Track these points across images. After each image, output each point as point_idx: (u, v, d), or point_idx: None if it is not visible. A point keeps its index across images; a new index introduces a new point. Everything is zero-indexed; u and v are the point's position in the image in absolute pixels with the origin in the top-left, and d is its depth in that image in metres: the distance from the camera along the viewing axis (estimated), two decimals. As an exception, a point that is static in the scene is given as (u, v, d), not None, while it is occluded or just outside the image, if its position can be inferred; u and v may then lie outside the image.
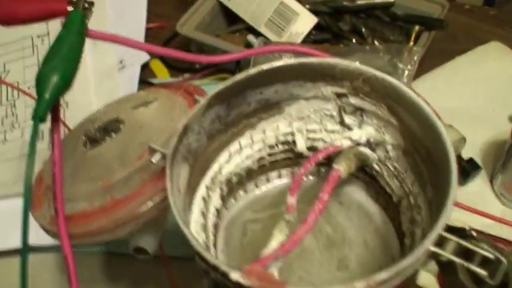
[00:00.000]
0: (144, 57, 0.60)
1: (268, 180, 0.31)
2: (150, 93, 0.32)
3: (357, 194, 0.30)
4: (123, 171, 0.28)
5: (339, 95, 0.26)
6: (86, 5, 0.26)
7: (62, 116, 0.58)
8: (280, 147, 0.29)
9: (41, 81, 0.25)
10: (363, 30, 0.55)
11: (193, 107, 0.24)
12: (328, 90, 0.26)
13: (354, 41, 0.55)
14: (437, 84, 0.58)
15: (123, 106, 0.32)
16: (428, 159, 0.24)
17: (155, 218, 0.30)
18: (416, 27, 0.53)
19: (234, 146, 0.28)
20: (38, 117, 0.24)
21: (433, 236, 0.20)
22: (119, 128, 0.30)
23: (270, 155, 0.29)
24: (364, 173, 0.29)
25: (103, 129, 0.31)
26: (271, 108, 0.27)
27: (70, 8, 0.26)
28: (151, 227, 0.31)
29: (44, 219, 0.30)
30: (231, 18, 0.59)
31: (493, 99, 0.56)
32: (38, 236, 0.47)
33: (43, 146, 0.51)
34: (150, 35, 0.64)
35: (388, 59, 0.51)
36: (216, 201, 0.28)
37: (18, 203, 0.51)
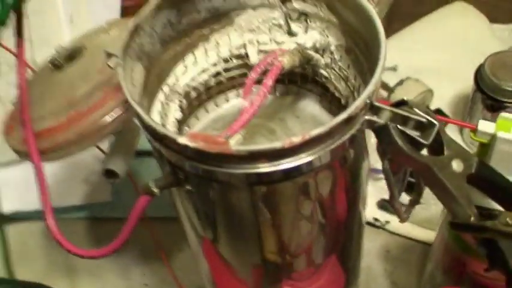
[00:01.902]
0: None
1: (227, 100, 0.33)
2: (112, 23, 0.34)
3: (311, 107, 0.32)
4: (85, 86, 0.30)
5: (283, 1, 0.28)
6: None
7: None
8: (235, 61, 0.31)
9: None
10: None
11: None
12: (274, -5, 0.28)
13: None
14: (405, 44, 0.60)
15: (87, 37, 0.34)
16: (366, 49, 0.26)
17: (125, 134, 0.32)
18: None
19: (189, 58, 0.30)
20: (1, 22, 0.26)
21: (370, 88, 0.22)
22: (82, 53, 0.32)
23: (225, 70, 0.31)
24: (316, 85, 0.31)
25: (67, 56, 0.33)
26: (221, 18, 0.29)
27: None
28: (120, 149, 0.33)
29: (16, 141, 0.31)
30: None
31: (459, 55, 0.59)
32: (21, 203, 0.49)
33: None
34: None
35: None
36: (175, 112, 0.30)
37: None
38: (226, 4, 0.29)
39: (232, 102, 0.32)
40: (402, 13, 0.61)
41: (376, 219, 0.50)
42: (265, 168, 0.22)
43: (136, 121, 0.25)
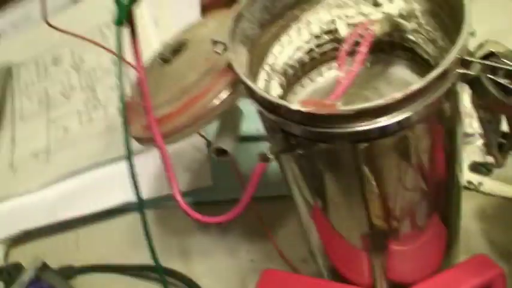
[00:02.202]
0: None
1: (321, 75, 0.35)
2: (210, 17, 0.37)
3: (402, 72, 0.34)
4: (194, 75, 0.33)
5: None
6: None
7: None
8: (326, 36, 0.33)
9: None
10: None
11: None
12: (358, -30, 0.30)
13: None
14: (482, 9, 0.61)
15: (187, 31, 0.37)
16: (451, 11, 0.28)
17: (231, 116, 0.36)
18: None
19: (284, 38, 0.33)
20: (118, 21, 0.30)
21: (460, 43, 0.24)
22: (186, 46, 0.36)
23: (317, 46, 0.34)
24: (404, 51, 0.33)
25: (173, 50, 0.36)
26: (309, -2, 0.32)
27: None
28: (227, 130, 0.36)
29: (138, 130, 0.35)
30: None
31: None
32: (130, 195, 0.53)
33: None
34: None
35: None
36: (276, 89, 0.33)
37: (109, 169, 0.58)
38: (314, -16, 0.32)
39: (326, 75, 0.35)
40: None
41: (469, 182, 0.51)
42: (368, 125, 0.25)
43: (248, 98, 0.28)
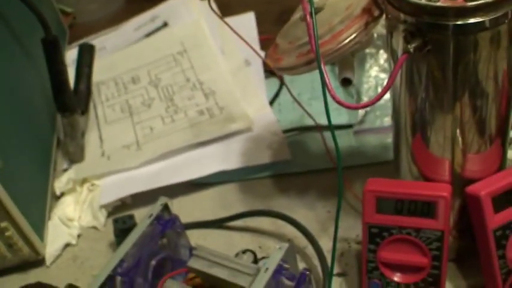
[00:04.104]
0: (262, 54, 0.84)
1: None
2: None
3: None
4: (338, 18, 0.51)
5: None
6: None
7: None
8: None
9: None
10: None
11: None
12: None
13: None
14: None
15: (317, 2, 0.55)
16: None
17: (349, 59, 0.53)
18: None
19: None
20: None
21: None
22: (321, 9, 0.54)
23: None
24: None
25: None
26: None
27: None
28: (349, 64, 0.53)
29: (291, 62, 0.52)
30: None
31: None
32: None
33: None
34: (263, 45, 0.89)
35: None
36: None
37: (197, 151, 0.72)
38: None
39: None
40: None
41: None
42: (477, 18, 0.43)
43: (393, 12, 0.45)
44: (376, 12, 0.50)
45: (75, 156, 0.78)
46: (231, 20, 0.95)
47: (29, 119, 0.73)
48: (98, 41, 0.96)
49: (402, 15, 0.45)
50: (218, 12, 0.65)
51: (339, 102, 0.47)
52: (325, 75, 0.48)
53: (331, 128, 0.47)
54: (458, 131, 0.50)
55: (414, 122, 0.52)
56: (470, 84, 0.47)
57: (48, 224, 0.71)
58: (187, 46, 0.91)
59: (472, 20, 0.43)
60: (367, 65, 0.78)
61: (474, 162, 0.53)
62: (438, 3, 0.43)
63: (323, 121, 0.71)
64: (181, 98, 0.83)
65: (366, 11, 0.50)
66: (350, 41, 0.50)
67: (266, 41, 0.90)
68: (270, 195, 0.71)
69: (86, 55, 0.81)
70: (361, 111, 0.75)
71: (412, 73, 0.49)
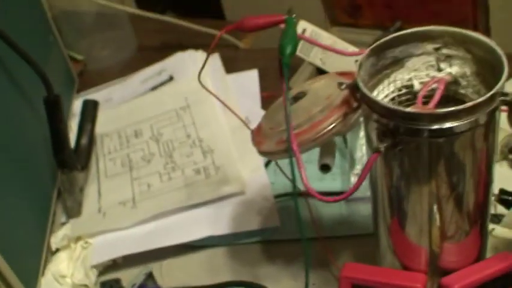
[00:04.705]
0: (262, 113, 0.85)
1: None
2: (317, 78, 0.57)
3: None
4: (318, 107, 0.52)
5: (436, 49, 0.51)
6: (294, 15, 0.52)
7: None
8: (404, 90, 0.53)
9: (283, 47, 0.49)
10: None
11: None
12: (430, 46, 0.51)
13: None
14: None
15: (302, 86, 0.57)
16: (491, 71, 0.48)
17: (330, 145, 0.54)
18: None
19: (380, 87, 0.52)
20: (285, 64, 0.49)
21: (502, 80, 0.43)
22: (305, 95, 0.55)
23: (399, 96, 0.53)
24: (456, 102, 0.53)
25: (294, 97, 0.56)
26: (398, 63, 0.52)
27: (286, 17, 0.52)
28: (329, 150, 0.55)
29: (270, 147, 0.53)
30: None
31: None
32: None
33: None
34: (264, 103, 0.91)
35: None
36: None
37: (189, 213, 0.73)
38: (401, 54, 0.52)
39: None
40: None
41: (485, 229, 0.69)
42: (450, 123, 0.43)
43: (365, 112, 0.46)
44: (355, 104, 0.51)
45: (73, 211, 0.80)
46: (235, 76, 0.97)
47: (29, 170, 0.75)
48: (106, 91, 0.99)
49: (375, 115, 0.46)
50: (209, 89, 0.66)
51: (311, 194, 0.49)
52: (300, 166, 0.49)
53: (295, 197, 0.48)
54: (434, 222, 0.51)
55: (391, 208, 0.52)
56: (443, 180, 0.48)
57: (42, 281, 0.73)
58: (190, 101, 0.93)
59: (442, 126, 0.44)
60: (361, 132, 0.79)
61: (451, 252, 0.53)
62: (408, 109, 0.44)
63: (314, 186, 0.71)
64: (180, 154, 0.85)
65: (345, 102, 0.51)
66: (328, 131, 0.51)
67: (268, 99, 0.91)
68: (257, 262, 0.72)
69: (89, 111, 0.84)
70: (353, 179, 0.75)
71: (387, 165, 0.49)
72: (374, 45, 0.50)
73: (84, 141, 0.81)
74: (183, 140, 0.87)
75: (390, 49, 0.51)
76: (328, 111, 0.52)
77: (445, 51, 0.51)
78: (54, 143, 0.76)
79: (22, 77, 0.78)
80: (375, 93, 0.52)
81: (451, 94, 0.52)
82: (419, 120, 0.44)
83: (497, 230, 0.69)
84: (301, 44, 0.86)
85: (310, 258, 0.51)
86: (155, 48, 1.11)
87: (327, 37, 0.85)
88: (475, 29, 0.80)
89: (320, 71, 0.86)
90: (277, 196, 0.76)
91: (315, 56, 0.85)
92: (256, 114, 0.88)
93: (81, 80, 1.05)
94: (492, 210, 0.70)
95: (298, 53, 0.87)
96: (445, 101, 0.53)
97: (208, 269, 0.72)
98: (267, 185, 0.77)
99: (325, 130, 0.51)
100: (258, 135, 0.56)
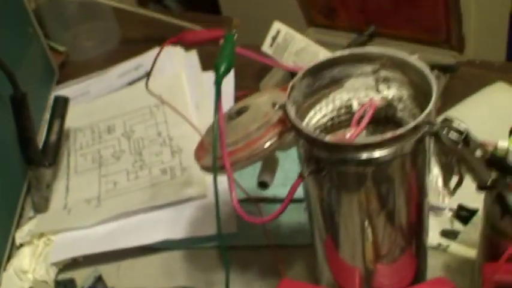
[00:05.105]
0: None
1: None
2: (263, 92, 0.57)
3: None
4: (255, 125, 0.52)
5: (374, 71, 0.50)
6: (234, 32, 0.52)
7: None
8: (344, 110, 0.53)
9: (217, 65, 0.49)
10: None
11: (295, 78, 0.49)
12: (369, 68, 0.50)
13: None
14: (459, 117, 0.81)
15: (247, 100, 0.57)
16: (425, 96, 0.47)
17: (271, 161, 0.54)
18: (435, 72, 0.77)
19: (317, 107, 0.52)
20: (217, 83, 0.49)
21: (428, 109, 0.43)
22: (247, 109, 0.55)
23: (338, 116, 0.53)
24: (394, 124, 0.52)
25: (236, 111, 0.55)
26: (336, 83, 0.52)
27: (226, 34, 0.52)
28: (269, 168, 0.55)
29: (208, 163, 0.53)
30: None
31: (502, 130, 0.78)
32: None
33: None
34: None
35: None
36: (308, 140, 0.51)
37: (152, 215, 0.74)
38: (340, 74, 0.51)
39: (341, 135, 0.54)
40: (455, 94, 0.83)
41: (439, 244, 0.68)
42: (371, 153, 0.43)
43: (295, 135, 0.46)
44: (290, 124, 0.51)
45: (39, 207, 0.81)
46: (210, 75, 0.97)
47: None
48: (84, 84, 1.00)
49: (300, 140, 0.46)
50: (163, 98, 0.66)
51: (240, 214, 0.49)
52: (232, 184, 0.49)
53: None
54: (366, 241, 0.51)
55: (325, 226, 0.52)
56: (371, 202, 0.48)
57: (3, 275, 0.74)
58: (164, 99, 0.93)
59: (362, 156, 0.44)
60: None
61: (385, 273, 0.53)
62: (326, 139, 0.44)
63: (276, 192, 0.72)
64: (149, 153, 0.86)
65: (282, 120, 0.51)
66: (263, 150, 0.51)
67: (242, 97, 0.91)
68: (212, 267, 0.72)
69: (59, 107, 0.84)
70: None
71: (316, 186, 0.49)
72: (308, 66, 0.49)
73: (52, 138, 0.82)
74: (153, 138, 0.88)
75: (327, 69, 0.50)
76: (264, 130, 0.51)
77: (383, 73, 0.50)
78: (21, 141, 0.77)
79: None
80: (311, 113, 0.52)
81: (389, 116, 0.52)
82: (340, 150, 0.44)
83: (453, 247, 0.68)
84: (274, 45, 0.86)
85: (229, 266, 0.51)
86: (138, 41, 1.11)
87: (300, 39, 0.84)
88: (448, 36, 0.79)
89: (293, 74, 0.86)
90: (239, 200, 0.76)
91: (288, 59, 0.85)
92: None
93: (63, 71, 1.06)
94: (449, 226, 0.69)
95: (272, 54, 0.87)
96: (384, 122, 0.52)
97: (165, 272, 0.73)
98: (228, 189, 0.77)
99: (260, 149, 0.51)
100: (200, 150, 0.56)
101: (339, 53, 0.50)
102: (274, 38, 0.85)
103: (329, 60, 0.50)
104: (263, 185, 0.54)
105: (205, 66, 1.00)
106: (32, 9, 1.00)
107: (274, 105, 0.49)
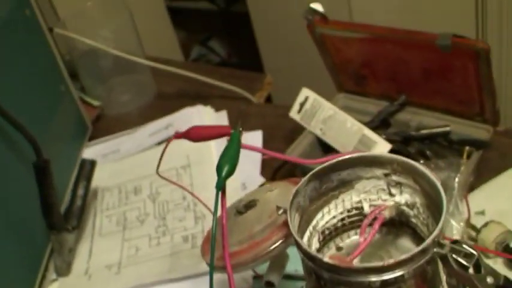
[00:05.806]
0: (259, 180, 0.84)
1: (349, 237, 0.52)
2: (273, 185, 0.55)
3: (406, 242, 0.50)
4: (260, 226, 0.50)
5: (386, 175, 0.48)
6: (240, 129, 0.50)
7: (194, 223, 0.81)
8: (354, 211, 0.50)
9: (220, 167, 0.48)
10: (427, 152, 0.76)
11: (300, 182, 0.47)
12: (379, 172, 0.48)
13: (420, 161, 0.76)
14: (492, 192, 0.77)
15: (257, 192, 0.55)
16: (436, 206, 0.44)
17: (280, 258, 0.52)
18: (467, 148, 0.74)
19: (325, 209, 0.49)
20: (218, 188, 0.47)
21: (436, 232, 0.40)
22: (256, 204, 0.53)
23: (348, 217, 0.50)
24: (408, 228, 0.49)
25: (245, 205, 0.54)
26: (346, 185, 0.49)
27: (232, 131, 0.50)
28: (276, 267, 0.52)
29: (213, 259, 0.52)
30: (326, 147, 0.83)
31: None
32: None
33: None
34: (265, 165, 0.89)
35: (448, 173, 0.72)
36: (315, 243, 0.49)
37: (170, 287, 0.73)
38: (349, 177, 0.49)
39: (352, 238, 0.51)
40: (490, 167, 0.79)
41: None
42: (372, 278, 0.41)
43: (297, 249, 0.44)
44: (297, 226, 0.49)
45: (61, 271, 0.81)
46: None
47: (21, 227, 0.76)
48: (114, 142, 1.00)
49: (300, 253, 0.44)
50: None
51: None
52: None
53: None
54: None
55: None
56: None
57: None
58: (191, 160, 0.92)
59: (363, 279, 0.41)
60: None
61: None
62: (326, 259, 0.41)
63: (298, 267, 0.69)
64: (173, 217, 0.85)
65: (287, 223, 0.49)
66: (267, 253, 0.49)
67: (269, 161, 0.89)
68: None
69: (86, 171, 0.85)
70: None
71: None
72: (315, 170, 0.47)
73: (77, 201, 0.82)
74: (178, 201, 0.87)
75: (336, 172, 0.48)
76: (269, 231, 0.49)
77: (394, 178, 0.48)
78: (43, 207, 0.77)
79: (16, 139, 0.79)
80: (319, 215, 0.49)
81: (403, 221, 0.49)
82: (339, 271, 0.41)
83: None
84: (302, 111, 0.84)
85: None
86: (173, 96, 1.11)
87: (328, 107, 0.82)
88: (482, 110, 0.75)
89: (320, 141, 0.84)
90: (255, 277, 0.74)
91: (316, 126, 0.83)
92: (253, 179, 0.87)
93: (97, 125, 1.07)
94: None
95: (299, 120, 0.85)
96: (398, 224, 0.50)
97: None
98: (248, 273, 0.76)
99: (264, 252, 0.49)
100: (206, 243, 0.55)
101: (347, 156, 0.47)
102: (302, 105, 0.83)
103: (337, 164, 0.47)
104: (269, 284, 0.52)
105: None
106: (66, 60, 1.01)
107: (278, 209, 0.47)
